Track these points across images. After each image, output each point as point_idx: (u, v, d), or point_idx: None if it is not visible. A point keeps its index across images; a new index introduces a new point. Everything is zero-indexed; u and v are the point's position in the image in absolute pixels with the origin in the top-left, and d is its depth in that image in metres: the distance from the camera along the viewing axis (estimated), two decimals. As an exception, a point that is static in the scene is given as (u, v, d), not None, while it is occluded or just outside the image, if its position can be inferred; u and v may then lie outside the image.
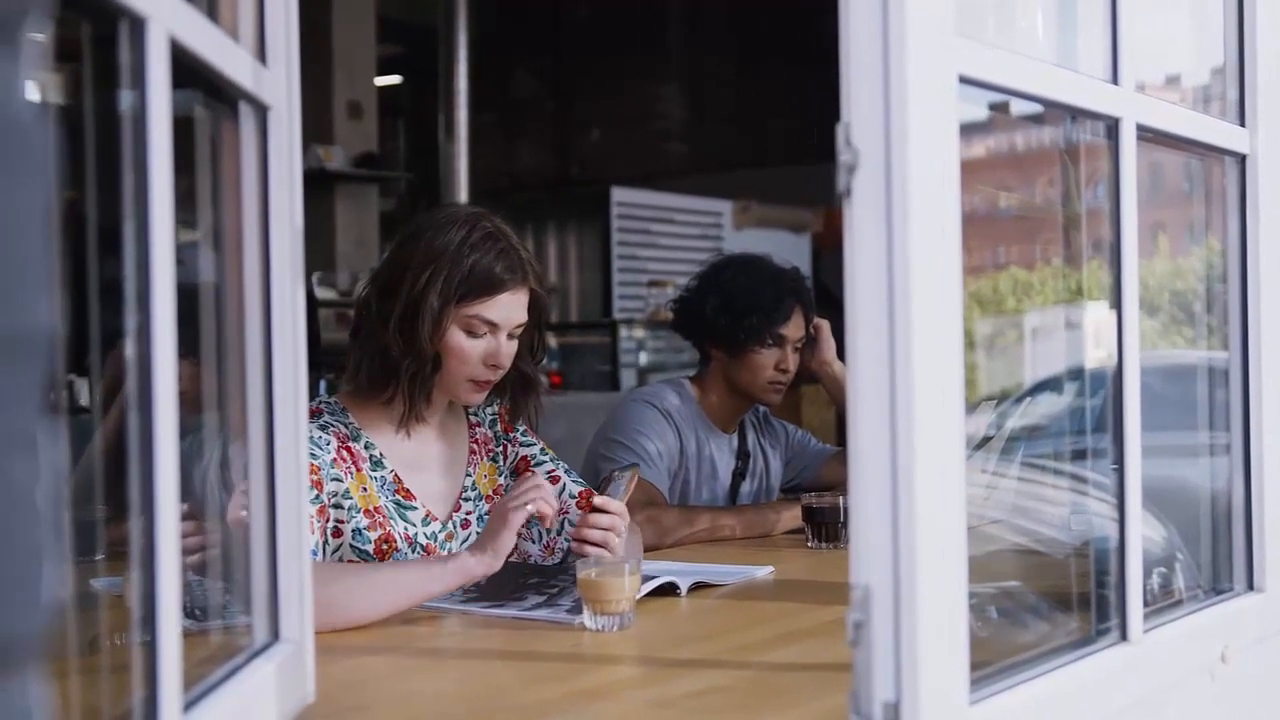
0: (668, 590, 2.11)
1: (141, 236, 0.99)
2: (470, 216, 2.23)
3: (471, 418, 2.40)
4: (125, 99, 1.00)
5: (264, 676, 1.28)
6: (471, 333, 2.20)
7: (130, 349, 0.99)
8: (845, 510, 2.63)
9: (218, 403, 1.37)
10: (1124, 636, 1.50)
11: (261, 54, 1.34)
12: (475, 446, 2.38)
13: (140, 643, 1.01)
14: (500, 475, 2.39)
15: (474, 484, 2.36)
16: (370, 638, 1.87)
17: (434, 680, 1.70)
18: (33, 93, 0.59)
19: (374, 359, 2.21)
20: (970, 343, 1.25)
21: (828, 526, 2.64)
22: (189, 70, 1.10)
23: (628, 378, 7.41)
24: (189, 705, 1.08)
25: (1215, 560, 1.84)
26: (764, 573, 2.35)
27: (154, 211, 0.99)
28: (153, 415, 0.99)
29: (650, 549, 2.66)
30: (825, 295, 3.26)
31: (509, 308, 2.21)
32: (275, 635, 1.36)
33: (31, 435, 0.56)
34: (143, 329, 0.99)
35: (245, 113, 1.32)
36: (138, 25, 0.98)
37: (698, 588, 2.18)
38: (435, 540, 2.26)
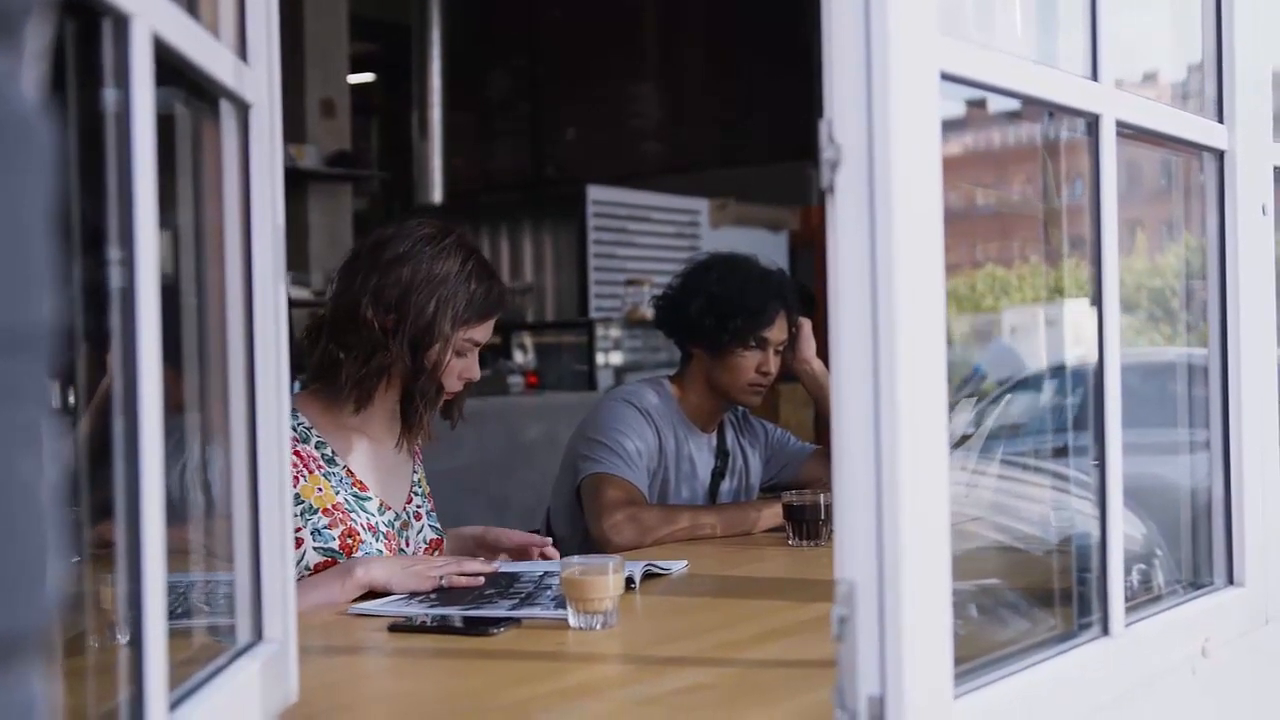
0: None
1: (126, 236, 0.98)
2: (460, 241, 2.30)
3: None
4: (108, 96, 0.99)
5: (248, 676, 1.27)
6: (460, 353, 2.28)
7: (114, 350, 0.98)
8: (826, 508, 2.64)
9: (199, 403, 1.36)
10: (1105, 630, 1.50)
11: (243, 51, 1.33)
12: (417, 448, 2.47)
13: (122, 642, 1.00)
14: (426, 483, 2.51)
15: (419, 481, 2.45)
16: (353, 638, 1.86)
17: (417, 680, 1.69)
18: (34, 90, 0.59)
19: (376, 376, 2.25)
20: (948, 340, 1.26)
21: (808, 524, 2.64)
22: (169, 68, 1.10)
23: (604, 377, 7.40)
24: (174, 704, 1.07)
25: (1195, 555, 1.85)
26: (679, 567, 2.36)
27: (138, 210, 0.99)
28: (138, 414, 0.98)
29: (631, 548, 2.67)
30: (801, 293, 3.26)
31: (491, 328, 2.33)
32: (259, 635, 1.35)
33: (36, 429, 0.56)
34: (127, 329, 0.98)
35: (226, 111, 1.32)
36: (121, 22, 0.98)
37: (647, 578, 2.22)
38: (393, 528, 2.31)
